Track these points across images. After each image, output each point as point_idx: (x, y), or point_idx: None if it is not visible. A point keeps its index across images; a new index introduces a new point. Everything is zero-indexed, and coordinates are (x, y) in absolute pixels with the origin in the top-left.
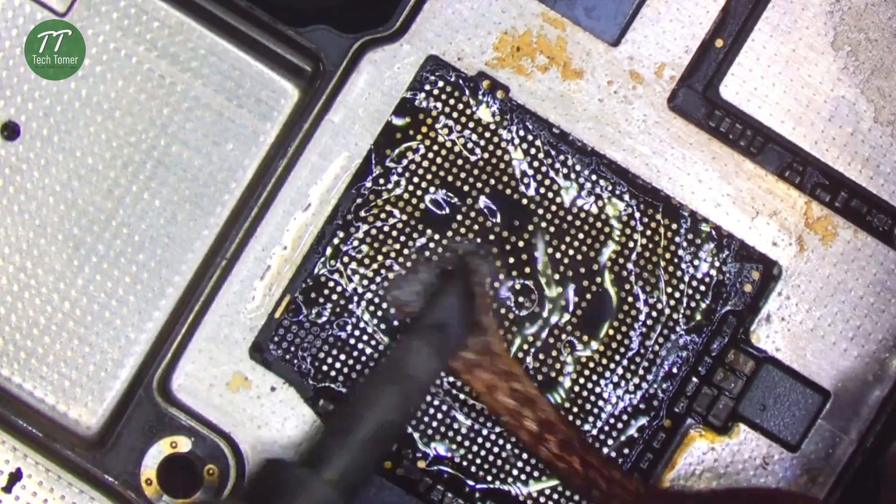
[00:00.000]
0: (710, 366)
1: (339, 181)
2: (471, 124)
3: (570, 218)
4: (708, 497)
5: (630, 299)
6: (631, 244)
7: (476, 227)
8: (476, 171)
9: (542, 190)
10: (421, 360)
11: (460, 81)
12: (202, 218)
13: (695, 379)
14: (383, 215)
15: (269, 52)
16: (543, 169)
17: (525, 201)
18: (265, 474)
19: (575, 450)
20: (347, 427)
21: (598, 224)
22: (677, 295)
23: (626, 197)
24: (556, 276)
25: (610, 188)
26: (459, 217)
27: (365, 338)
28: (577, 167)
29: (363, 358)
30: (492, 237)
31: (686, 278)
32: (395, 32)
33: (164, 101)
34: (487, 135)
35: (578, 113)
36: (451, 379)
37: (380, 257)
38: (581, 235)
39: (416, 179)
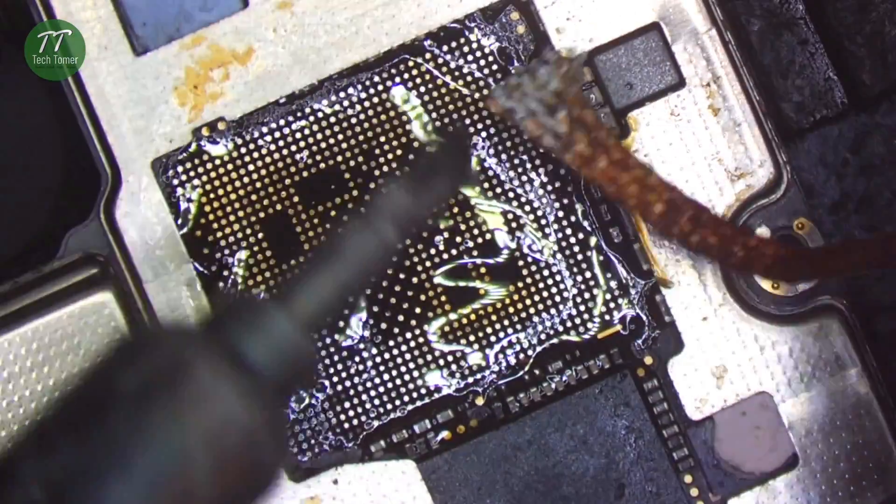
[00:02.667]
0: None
1: (202, 306)
2: (227, 167)
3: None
4: (854, 246)
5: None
6: (429, 100)
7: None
8: (288, 183)
9: (345, 142)
10: (397, 200)
11: (190, 151)
12: None
13: None
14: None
15: (61, 294)
16: (319, 134)
17: (344, 169)
18: (232, 303)
19: (706, 224)
20: (312, 262)
21: (397, 112)
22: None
23: (389, 76)
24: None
25: (380, 82)
26: (298, 228)
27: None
28: (342, 96)
29: (371, 384)
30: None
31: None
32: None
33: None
34: (248, 159)
35: (286, 66)
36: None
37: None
38: (398, 135)
39: (235, 237)
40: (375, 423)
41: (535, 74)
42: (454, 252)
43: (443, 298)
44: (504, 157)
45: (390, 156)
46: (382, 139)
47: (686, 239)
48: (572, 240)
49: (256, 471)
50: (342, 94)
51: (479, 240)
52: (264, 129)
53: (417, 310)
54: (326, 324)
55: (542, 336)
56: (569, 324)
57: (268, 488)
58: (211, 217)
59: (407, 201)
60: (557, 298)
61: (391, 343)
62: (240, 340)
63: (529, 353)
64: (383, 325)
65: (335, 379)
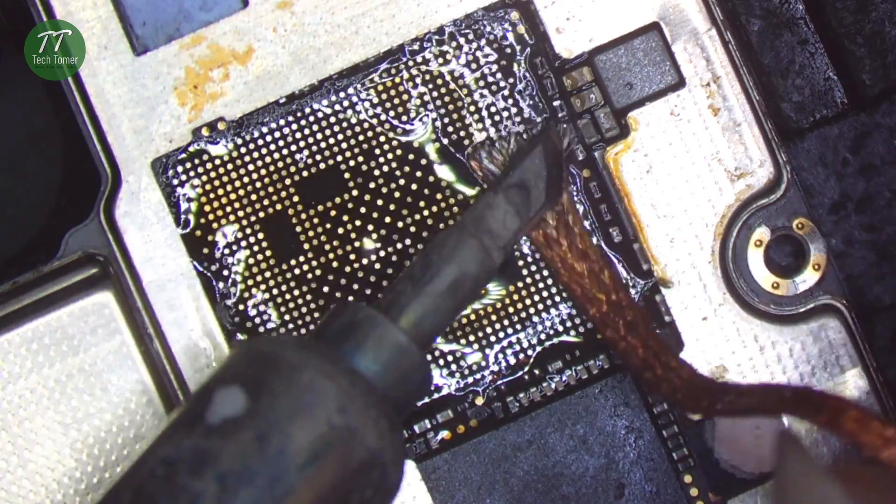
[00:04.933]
0: (563, 104)
1: (202, 306)
2: (227, 167)
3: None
4: (754, 391)
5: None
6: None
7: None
8: (288, 183)
9: (345, 142)
10: (503, 217)
11: (190, 151)
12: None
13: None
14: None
15: (61, 294)
16: (319, 134)
17: (344, 169)
18: (340, 314)
19: (639, 333)
20: (425, 276)
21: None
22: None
23: (389, 76)
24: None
25: (380, 82)
26: (298, 228)
27: None
28: (342, 96)
29: None
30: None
31: (473, 84)
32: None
33: (49, 406)
34: (248, 159)
35: (286, 66)
36: None
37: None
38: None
39: (241, 235)
40: None
41: (512, 143)
42: None
43: None
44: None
45: (390, 156)
46: (382, 139)
47: (615, 342)
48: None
49: (375, 482)
50: (342, 94)
51: None
52: (264, 129)
53: None
54: (439, 332)
55: (542, 336)
56: (569, 324)
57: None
58: (211, 217)
59: (511, 215)
60: (557, 298)
61: None
62: (353, 353)
63: (529, 353)
64: None
65: None
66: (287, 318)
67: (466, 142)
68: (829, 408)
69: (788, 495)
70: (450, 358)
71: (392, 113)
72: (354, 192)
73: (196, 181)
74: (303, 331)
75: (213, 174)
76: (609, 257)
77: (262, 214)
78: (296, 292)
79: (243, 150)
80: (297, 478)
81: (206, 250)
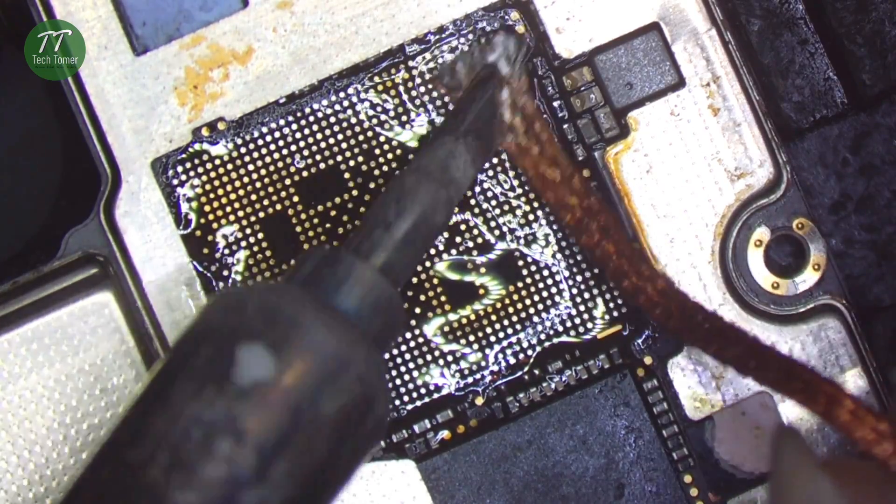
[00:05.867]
0: (563, 104)
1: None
2: (227, 167)
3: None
4: (741, 337)
5: None
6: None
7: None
8: (288, 183)
9: (345, 142)
10: (463, 166)
11: (190, 151)
12: None
13: (567, 126)
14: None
15: (60, 294)
16: (319, 134)
17: (344, 169)
18: (313, 257)
19: (612, 238)
20: (394, 221)
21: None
22: None
23: (389, 76)
24: None
25: (380, 82)
26: (298, 227)
27: None
28: (342, 96)
29: None
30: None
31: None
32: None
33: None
34: (248, 159)
35: (286, 65)
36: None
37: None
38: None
39: (240, 232)
40: None
41: (475, 54)
42: (454, 252)
43: (442, 298)
44: (504, 157)
45: (390, 156)
46: (382, 139)
47: (592, 249)
48: (573, 239)
49: (368, 412)
50: (342, 94)
51: (479, 240)
52: (264, 129)
53: (417, 309)
54: (407, 278)
55: (542, 336)
56: (569, 324)
57: (378, 431)
58: (211, 217)
59: (468, 163)
60: (557, 298)
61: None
62: (332, 294)
63: (529, 353)
64: None
65: None
66: None
67: None
68: (823, 392)
69: (784, 489)
70: (450, 358)
71: (392, 113)
72: (354, 192)
73: (196, 181)
74: None
75: (213, 174)
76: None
77: (262, 214)
78: None
79: (243, 150)
80: (324, 448)
81: (206, 250)
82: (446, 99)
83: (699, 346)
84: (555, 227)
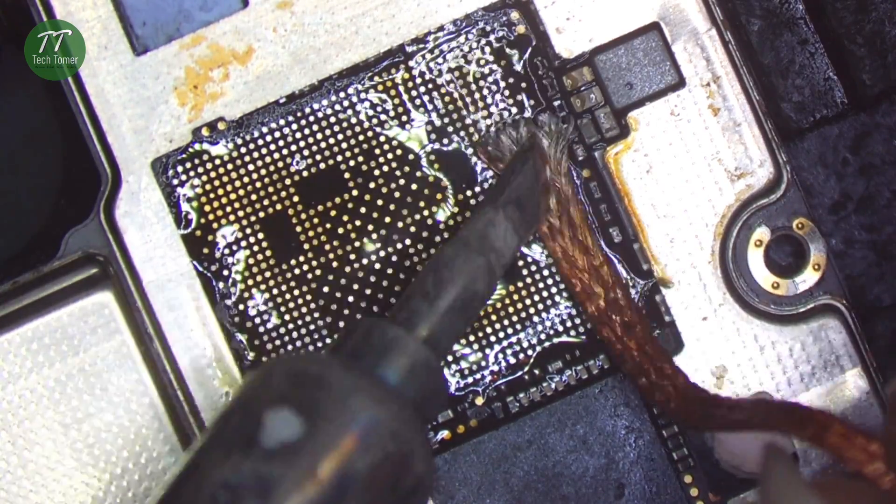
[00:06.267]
0: (562, 104)
1: (202, 306)
2: (227, 167)
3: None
4: (744, 406)
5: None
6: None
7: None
8: (288, 183)
9: (345, 142)
10: (504, 235)
11: (190, 151)
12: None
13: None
14: (249, 282)
15: (60, 294)
16: (319, 134)
17: (344, 169)
18: (358, 330)
19: (635, 335)
20: (434, 292)
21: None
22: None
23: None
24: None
25: (380, 82)
26: (298, 227)
27: None
28: (342, 96)
29: None
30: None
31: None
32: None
33: (53, 408)
34: (248, 159)
35: (286, 66)
36: None
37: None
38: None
39: (238, 233)
40: None
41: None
42: None
43: None
44: None
45: (390, 156)
46: (382, 139)
47: (611, 342)
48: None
49: (404, 469)
50: (342, 94)
51: None
52: (264, 129)
53: None
54: (451, 348)
55: (542, 336)
56: (569, 324)
57: (421, 490)
58: (211, 217)
59: (510, 232)
60: (557, 298)
61: None
62: (377, 365)
63: (529, 353)
64: None
65: None
66: (287, 318)
67: (467, 141)
68: (816, 422)
69: None
70: (450, 358)
71: (392, 113)
72: (354, 192)
73: (196, 181)
74: (303, 331)
75: (213, 174)
76: (609, 256)
77: (261, 214)
78: (296, 292)
79: (243, 150)
80: None
81: (206, 250)
82: (446, 99)
83: (711, 431)
84: None
